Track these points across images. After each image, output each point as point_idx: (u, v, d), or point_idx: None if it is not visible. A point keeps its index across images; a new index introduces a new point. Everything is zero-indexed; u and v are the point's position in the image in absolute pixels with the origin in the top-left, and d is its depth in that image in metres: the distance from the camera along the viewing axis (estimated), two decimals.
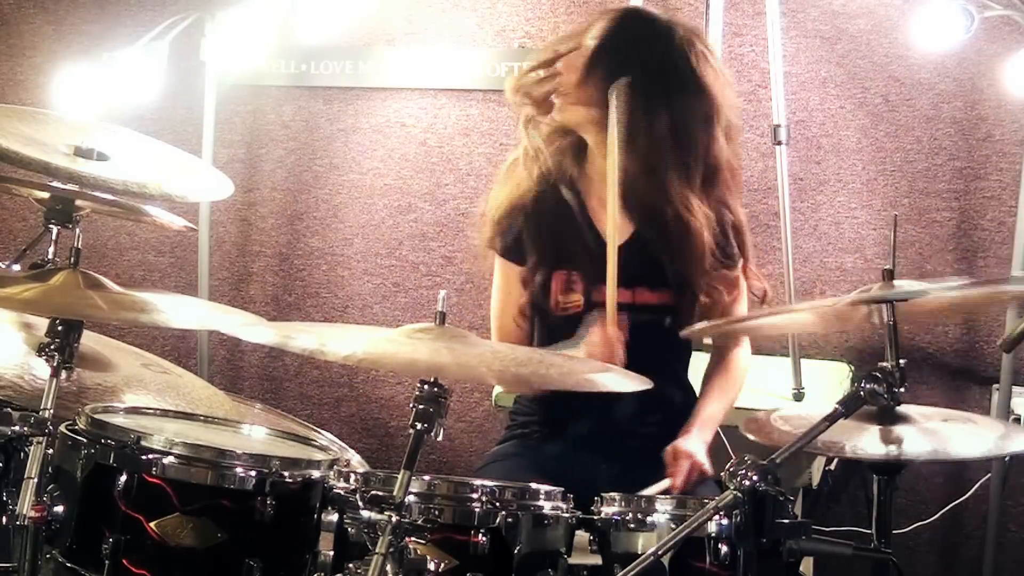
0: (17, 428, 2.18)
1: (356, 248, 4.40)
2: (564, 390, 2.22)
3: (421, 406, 1.99)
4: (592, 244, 2.77)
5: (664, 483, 2.59)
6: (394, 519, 1.93)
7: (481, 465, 2.88)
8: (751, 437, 2.33)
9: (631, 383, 2.19)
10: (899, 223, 3.06)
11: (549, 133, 2.80)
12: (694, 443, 2.66)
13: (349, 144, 4.39)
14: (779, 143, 3.70)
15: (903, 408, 2.17)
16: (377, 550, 1.92)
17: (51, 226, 2.73)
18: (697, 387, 2.89)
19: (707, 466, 2.64)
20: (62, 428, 2.24)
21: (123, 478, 2.14)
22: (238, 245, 4.49)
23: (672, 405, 2.79)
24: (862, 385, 2.03)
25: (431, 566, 1.99)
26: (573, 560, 2.18)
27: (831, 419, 2.01)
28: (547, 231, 2.78)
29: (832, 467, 3.69)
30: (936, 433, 2.18)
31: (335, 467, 2.25)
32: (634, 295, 2.76)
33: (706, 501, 2.04)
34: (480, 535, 2.09)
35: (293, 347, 2.12)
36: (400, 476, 1.97)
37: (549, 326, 2.78)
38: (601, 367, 2.22)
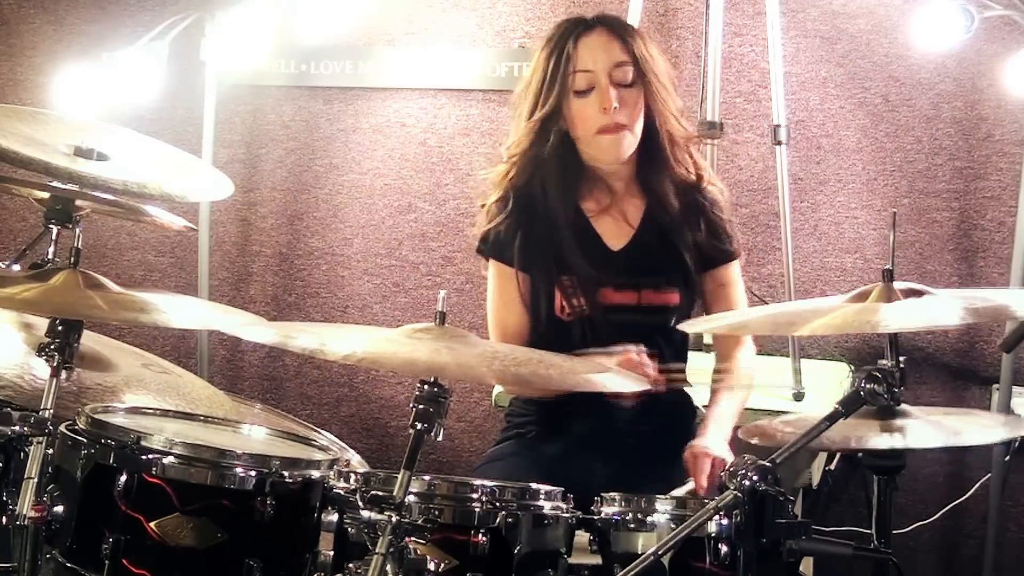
0: (17, 428, 2.19)
1: (356, 248, 4.40)
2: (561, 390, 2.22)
3: (421, 406, 1.99)
4: (592, 248, 2.78)
5: (688, 484, 2.57)
6: (394, 519, 1.93)
7: (479, 465, 2.89)
8: (752, 440, 2.33)
9: (629, 383, 2.19)
10: (899, 223, 3.07)
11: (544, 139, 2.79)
12: (712, 440, 2.63)
13: (349, 144, 4.39)
14: (779, 143, 3.70)
15: (903, 408, 2.17)
16: (377, 550, 1.92)
17: (51, 226, 2.73)
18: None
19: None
20: (62, 428, 2.23)
21: (123, 478, 2.14)
22: (238, 245, 4.49)
23: (671, 404, 2.79)
24: (862, 385, 2.03)
25: (431, 566, 1.99)
26: (573, 560, 2.18)
27: (831, 419, 2.00)
28: (546, 239, 2.77)
29: (832, 467, 3.69)
30: (941, 424, 2.18)
31: (335, 467, 2.26)
32: (640, 297, 2.77)
33: (706, 501, 2.04)
34: (480, 535, 2.09)
35: (293, 347, 2.12)
36: (400, 476, 1.97)
37: (548, 331, 2.77)
38: (600, 367, 2.22)
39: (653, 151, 2.79)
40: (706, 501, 2.04)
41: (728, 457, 2.59)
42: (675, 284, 2.79)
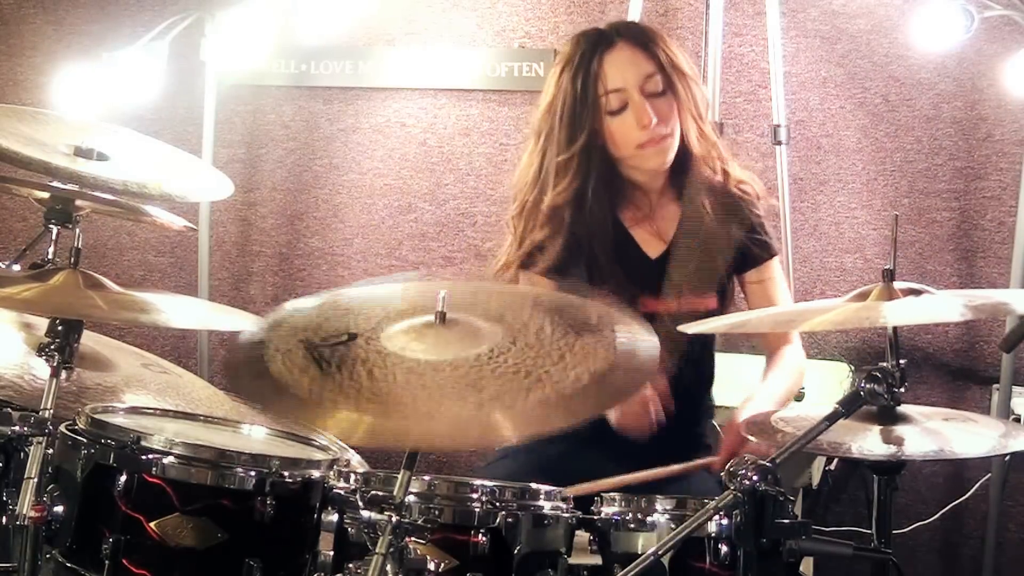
0: (17, 428, 2.19)
1: (356, 248, 4.39)
2: None
3: None
4: (631, 256, 2.78)
5: (708, 459, 2.59)
6: (394, 519, 1.93)
7: (485, 465, 2.89)
8: (751, 438, 2.33)
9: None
10: (899, 223, 3.07)
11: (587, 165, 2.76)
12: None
13: (349, 144, 4.39)
14: (779, 143, 3.70)
15: (903, 408, 2.18)
16: (377, 550, 1.92)
17: (51, 226, 2.73)
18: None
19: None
20: (62, 428, 2.24)
21: (123, 478, 2.15)
22: (238, 245, 4.49)
23: (678, 404, 2.79)
24: (862, 385, 2.03)
25: (431, 566, 1.99)
26: (573, 560, 2.18)
27: (831, 419, 2.01)
28: (587, 247, 2.75)
29: (832, 467, 3.69)
30: (937, 433, 2.19)
31: (335, 467, 2.26)
32: (680, 304, 2.76)
33: (706, 501, 2.04)
34: (480, 535, 2.09)
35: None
36: (400, 476, 1.96)
37: None
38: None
39: (683, 155, 2.77)
40: (706, 501, 2.04)
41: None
42: (713, 289, 2.79)
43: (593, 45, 2.73)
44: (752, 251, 2.83)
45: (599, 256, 2.75)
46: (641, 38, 2.75)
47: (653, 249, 2.81)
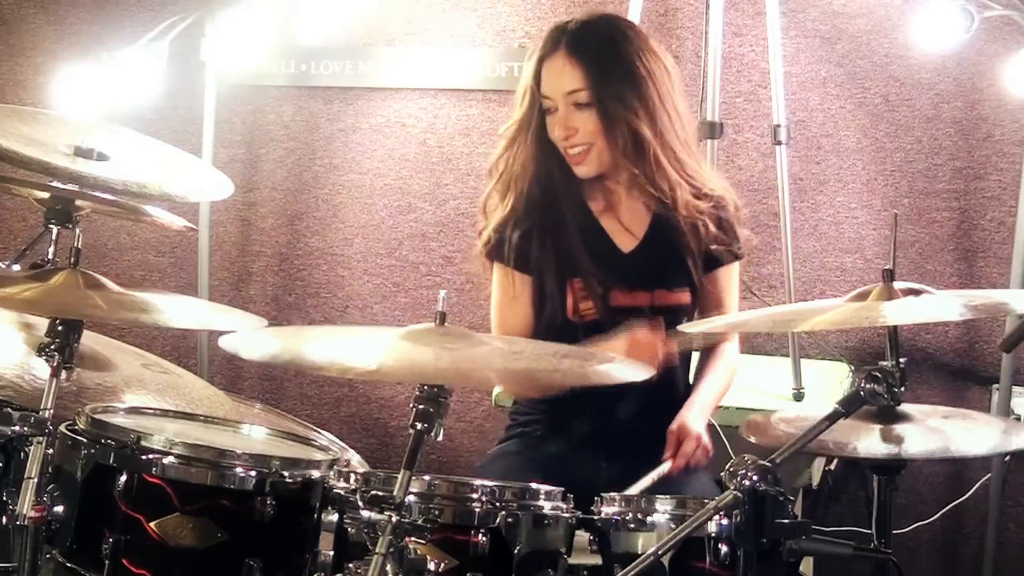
0: (17, 428, 2.19)
1: (356, 248, 4.39)
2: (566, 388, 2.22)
3: (421, 406, 1.99)
4: (603, 250, 2.78)
5: (664, 467, 2.60)
6: (394, 519, 1.93)
7: (482, 464, 2.89)
8: (752, 438, 2.33)
9: (634, 373, 2.17)
10: (899, 223, 3.07)
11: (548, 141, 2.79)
12: (697, 421, 2.68)
13: (349, 144, 4.39)
14: (779, 143, 3.69)
15: (903, 409, 2.18)
16: (377, 550, 1.92)
17: (51, 226, 2.73)
18: None
19: (710, 447, 2.66)
20: (62, 428, 2.24)
21: (123, 478, 2.15)
22: (238, 245, 4.49)
23: (674, 403, 2.79)
24: (862, 385, 2.03)
25: (431, 566, 1.99)
26: (573, 560, 2.18)
27: (831, 419, 2.01)
28: (556, 240, 2.77)
29: (832, 467, 3.69)
30: (938, 431, 2.19)
31: (335, 467, 2.26)
32: (653, 297, 2.78)
33: (706, 501, 2.04)
34: (480, 535, 2.09)
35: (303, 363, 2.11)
36: (400, 476, 1.97)
37: (560, 334, 2.76)
38: (606, 358, 2.21)
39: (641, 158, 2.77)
40: (706, 501, 2.04)
41: (708, 441, 2.66)
42: (685, 284, 2.80)
43: (545, 46, 2.78)
44: (717, 252, 2.83)
45: (571, 248, 2.76)
46: (581, 49, 2.73)
47: (625, 243, 2.82)
